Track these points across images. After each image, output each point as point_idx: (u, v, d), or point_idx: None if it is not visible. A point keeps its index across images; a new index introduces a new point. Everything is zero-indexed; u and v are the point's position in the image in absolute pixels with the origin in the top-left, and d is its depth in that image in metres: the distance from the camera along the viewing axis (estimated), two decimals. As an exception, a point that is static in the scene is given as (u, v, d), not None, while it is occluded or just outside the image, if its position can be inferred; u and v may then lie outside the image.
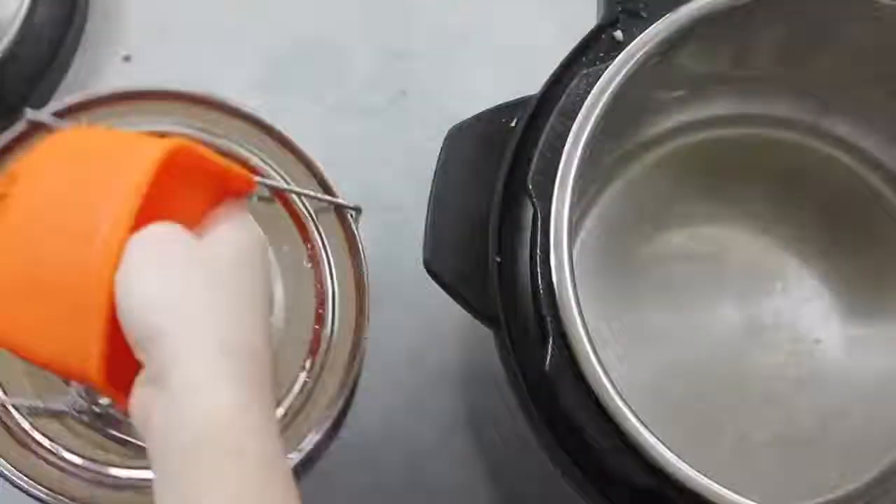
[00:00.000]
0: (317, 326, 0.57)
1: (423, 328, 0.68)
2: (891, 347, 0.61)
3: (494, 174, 0.53)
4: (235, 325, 0.40)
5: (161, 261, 0.39)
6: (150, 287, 0.39)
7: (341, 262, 0.57)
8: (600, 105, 0.51)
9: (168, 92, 0.58)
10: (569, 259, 0.48)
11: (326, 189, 0.58)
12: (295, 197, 0.57)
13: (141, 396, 0.39)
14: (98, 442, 0.54)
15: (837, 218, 0.63)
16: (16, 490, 0.53)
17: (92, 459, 0.54)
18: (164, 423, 0.38)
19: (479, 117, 0.54)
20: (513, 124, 0.54)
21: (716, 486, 0.46)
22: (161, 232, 0.40)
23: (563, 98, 0.52)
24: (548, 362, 0.47)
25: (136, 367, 0.40)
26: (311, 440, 0.54)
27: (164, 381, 0.38)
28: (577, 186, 0.50)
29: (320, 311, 0.57)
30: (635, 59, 0.52)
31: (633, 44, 0.52)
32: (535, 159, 0.51)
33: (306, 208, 0.58)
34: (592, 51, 0.54)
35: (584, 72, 0.52)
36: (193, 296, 0.39)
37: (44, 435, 0.54)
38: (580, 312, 0.48)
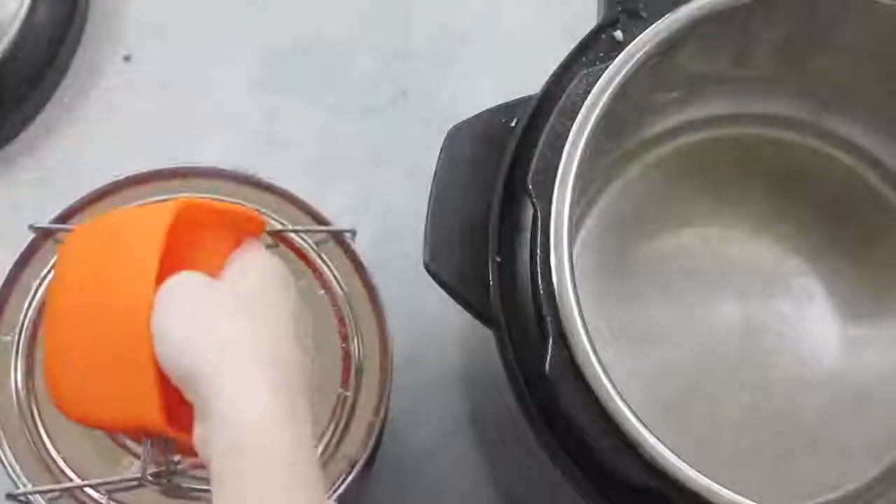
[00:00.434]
0: (344, 344, 0.58)
1: (423, 329, 0.68)
2: (891, 347, 0.61)
3: (494, 174, 0.53)
4: (263, 341, 0.42)
5: (183, 305, 0.43)
6: (177, 332, 0.42)
7: (350, 281, 0.59)
8: (600, 105, 0.51)
9: (153, 173, 0.61)
10: (569, 259, 0.48)
11: (319, 220, 0.60)
12: (293, 235, 0.59)
13: (199, 433, 0.42)
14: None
15: (837, 217, 0.63)
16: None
17: None
18: (216, 449, 0.40)
19: (479, 117, 0.54)
20: (513, 124, 0.54)
21: (716, 487, 0.46)
22: (179, 280, 0.43)
23: (563, 98, 0.52)
24: (548, 362, 0.47)
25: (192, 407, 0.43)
26: (362, 450, 0.56)
27: (210, 413, 0.40)
28: (577, 186, 0.50)
29: (343, 329, 0.58)
30: (635, 59, 0.52)
31: (633, 44, 0.52)
32: (535, 159, 0.51)
33: (307, 242, 0.59)
34: (592, 51, 0.54)
35: (584, 72, 0.52)
36: (219, 327, 0.42)
37: None
38: (580, 312, 0.48)
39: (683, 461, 0.46)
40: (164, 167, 0.61)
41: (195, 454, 0.43)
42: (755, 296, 0.62)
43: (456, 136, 0.54)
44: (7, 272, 0.59)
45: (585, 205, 0.63)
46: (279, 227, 0.60)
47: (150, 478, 0.55)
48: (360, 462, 0.55)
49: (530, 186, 0.50)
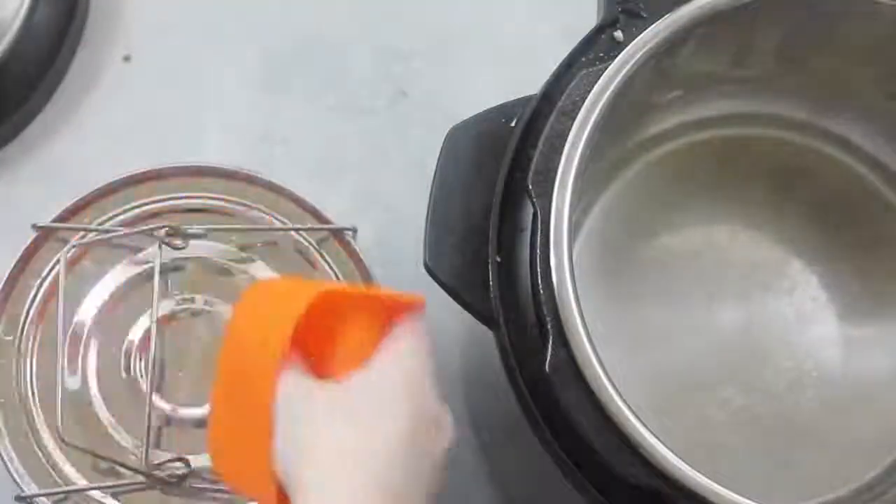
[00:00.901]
0: None
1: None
2: (891, 347, 0.61)
3: (494, 174, 0.53)
4: (369, 468, 0.40)
5: (281, 409, 0.41)
6: (279, 443, 0.41)
7: (351, 279, 0.60)
8: (600, 105, 0.51)
9: (154, 172, 0.61)
10: (569, 259, 0.48)
11: (320, 219, 0.60)
12: (294, 234, 0.59)
13: None
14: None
15: (837, 218, 0.63)
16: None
17: None
18: None
19: (479, 117, 0.54)
20: (513, 124, 0.54)
21: (716, 486, 0.46)
22: (289, 386, 0.42)
23: (563, 98, 0.52)
24: (548, 362, 0.47)
25: None
26: None
27: None
28: (577, 186, 0.50)
29: None
30: (635, 59, 0.52)
31: (633, 44, 0.52)
32: (535, 159, 0.51)
33: (308, 241, 0.59)
34: (592, 51, 0.54)
35: (584, 72, 0.52)
36: (320, 444, 0.41)
37: None
38: (580, 312, 0.48)
39: (683, 461, 0.46)
40: (165, 166, 0.61)
41: None
42: (755, 296, 0.62)
43: (456, 136, 0.54)
44: (8, 271, 0.59)
45: (585, 205, 0.63)
46: (280, 225, 0.60)
47: (155, 477, 0.55)
48: None
49: (530, 186, 0.50)
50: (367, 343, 0.45)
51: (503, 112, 0.54)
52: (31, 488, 0.56)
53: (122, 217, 0.61)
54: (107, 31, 0.75)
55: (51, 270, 0.59)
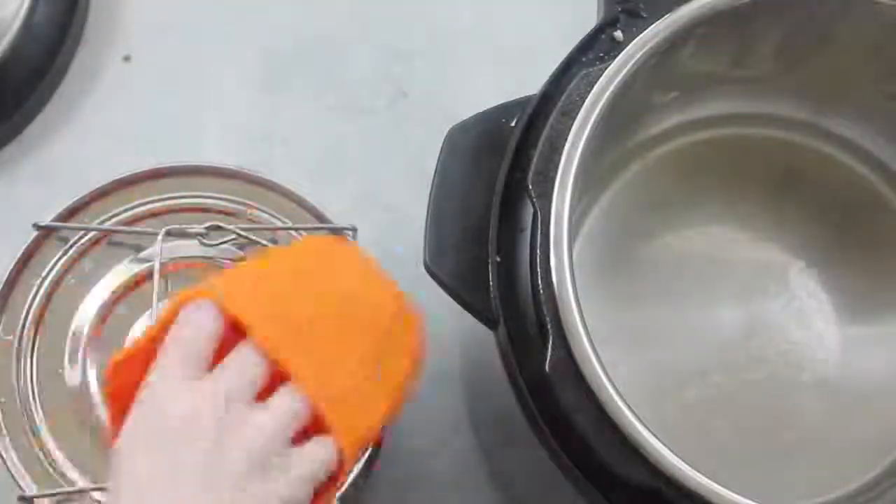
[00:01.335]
0: None
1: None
2: (891, 347, 0.61)
3: (494, 174, 0.53)
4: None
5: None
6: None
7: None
8: (600, 105, 0.51)
9: (155, 171, 0.61)
10: (569, 259, 0.48)
11: (321, 218, 0.60)
12: (294, 233, 0.59)
13: None
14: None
15: (837, 218, 0.63)
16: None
17: None
18: None
19: (479, 117, 0.54)
20: (513, 124, 0.54)
21: (716, 486, 0.46)
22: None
23: (563, 98, 0.52)
24: (548, 362, 0.47)
25: None
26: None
27: None
28: (577, 186, 0.50)
29: None
30: (635, 59, 0.52)
31: (633, 44, 0.52)
32: (535, 159, 0.51)
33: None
34: (592, 51, 0.54)
35: (584, 72, 0.52)
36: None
37: None
38: (580, 312, 0.48)
39: (683, 461, 0.46)
40: (165, 165, 0.61)
41: None
42: (755, 296, 0.62)
43: (456, 136, 0.54)
44: (8, 271, 0.59)
45: (585, 205, 0.63)
46: (280, 224, 0.60)
47: None
48: (364, 457, 0.55)
49: (530, 186, 0.50)
50: None
51: (503, 112, 0.54)
52: (31, 489, 0.56)
53: (122, 216, 0.61)
54: (107, 31, 0.75)
55: (51, 270, 0.59)
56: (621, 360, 0.60)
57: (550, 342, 0.48)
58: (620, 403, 0.46)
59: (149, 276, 0.59)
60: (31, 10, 0.68)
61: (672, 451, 0.46)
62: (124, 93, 0.73)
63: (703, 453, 0.49)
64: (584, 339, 0.47)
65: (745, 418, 0.60)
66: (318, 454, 0.41)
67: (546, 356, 0.48)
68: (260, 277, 0.44)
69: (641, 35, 0.52)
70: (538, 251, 0.49)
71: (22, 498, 0.56)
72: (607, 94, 0.51)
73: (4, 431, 0.57)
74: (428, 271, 0.52)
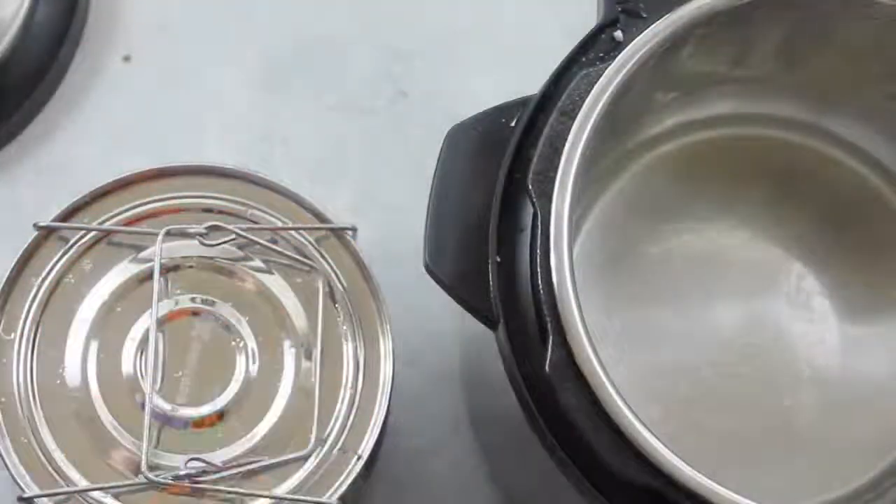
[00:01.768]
0: (345, 342, 0.58)
1: (423, 329, 0.68)
2: (891, 347, 0.61)
3: (494, 174, 0.53)
4: None
5: None
6: None
7: (351, 279, 0.59)
8: (600, 105, 0.51)
9: (156, 171, 0.61)
10: (569, 259, 0.48)
11: (320, 217, 0.60)
12: (293, 233, 0.59)
13: None
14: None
15: (837, 218, 0.63)
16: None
17: None
18: None
19: (479, 117, 0.54)
20: (513, 124, 0.54)
21: (716, 486, 0.46)
22: None
23: (563, 98, 0.52)
24: (548, 362, 0.47)
25: None
26: (365, 445, 0.56)
27: None
28: (577, 186, 0.50)
29: (344, 327, 0.58)
30: (635, 59, 0.52)
31: (633, 44, 0.52)
32: (535, 159, 0.51)
33: (307, 240, 0.59)
34: (592, 51, 0.54)
35: (584, 72, 0.52)
36: None
37: None
38: (580, 312, 0.48)
39: (683, 461, 0.46)
40: (167, 165, 0.61)
41: None
42: (755, 296, 0.62)
43: (456, 136, 0.54)
44: (9, 271, 0.59)
45: (585, 204, 0.63)
46: (280, 224, 0.60)
47: (155, 479, 0.55)
48: (364, 458, 0.55)
49: (530, 186, 0.50)
50: None
51: (503, 112, 0.54)
52: (31, 489, 0.56)
53: (123, 216, 0.61)
54: (107, 31, 0.75)
55: (51, 270, 0.59)
56: (621, 360, 0.60)
57: (550, 342, 0.48)
58: (620, 403, 0.46)
59: (149, 276, 0.59)
60: (31, 10, 0.68)
61: (672, 450, 0.46)
62: (124, 93, 0.73)
63: (702, 453, 0.49)
64: (584, 339, 0.47)
65: (745, 418, 0.60)
66: None
67: (546, 356, 0.48)
68: None
69: (641, 35, 0.52)
70: (538, 251, 0.49)
71: (21, 498, 0.56)
72: (607, 94, 0.51)
73: (4, 431, 0.57)
74: (428, 271, 0.52)
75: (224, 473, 0.55)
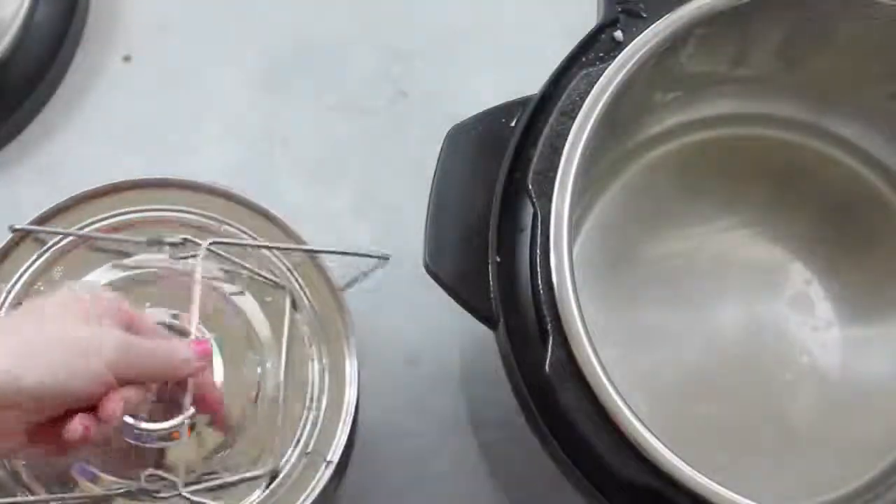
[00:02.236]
0: (311, 354, 0.58)
1: (422, 328, 0.68)
2: (891, 347, 0.61)
3: (494, 174, 0.53)
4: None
5: None
6: None
7: (321, 298, 0.59)
8: (600, 105, 0.51)
9: (148, 181, 0.61)
10: (569, 259, 0.48)
11: (297, 240, 0.60)
12: (265, 250, 0.60)
13: None
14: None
15: (837, 218, 0.63)
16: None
17: None
18: None
19: (479, 117, 0.54)
20: (513, 124, 0.54)
21: (716, 486, 0.46)
22: None
23: (564, 98, 0.52)
24: (548, 362, 0.47)
25: None
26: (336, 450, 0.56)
27: None
28: (577, 186, 0.50)
29: (312, 345, 0.59)
30: (635, 59, 0.52)
31: (633, 44, 0.52)
32: (535, 159, 0.51)
33: (282, 261, 0.60)
34: (592, 51, 0.54)
35: (584, 72, 0.52)
36: None
37: None
38: (580, 312, 0.48)
39: (683, 461, 0.46)
40: (149, 178, 0.61)
41: None
42: (755, 296, 0.62)
43: (456, 136, 0.54)
44: None
45: (585, 205, 0.63)
46: (250, 240, 0.60)
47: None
48: (333, 463, 0.55)
49: (530, 186, 0.50)
50: None
51: (503, 112, 0.54)
52: None
53: (102, 223, 0.60)
54: (107, 31, 0.75)
55: (22, 275, 0.59)
56: (621, 360, 0.60)
57: (550, 342, 0.48)
58: (620, 403, 0.46)
59: (125, 284, 0.59)
60: (31, 10, 0.68)
61: (672, 450, 0.46)
62: (124, 93, 0.73)
63: (702, 453, 0.49)
64: (584, 339, 0.47)
65: (745, 418, 0.60)
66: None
67: (546, 356, 0.48)
68: None
69: (641, 35, 0.52)
70: (538, 251, 0.49)
71: None
72: (607, 94, 0.51)
73: None
74: (428, 271, 0.52)
75: (187, 490, 0.54)
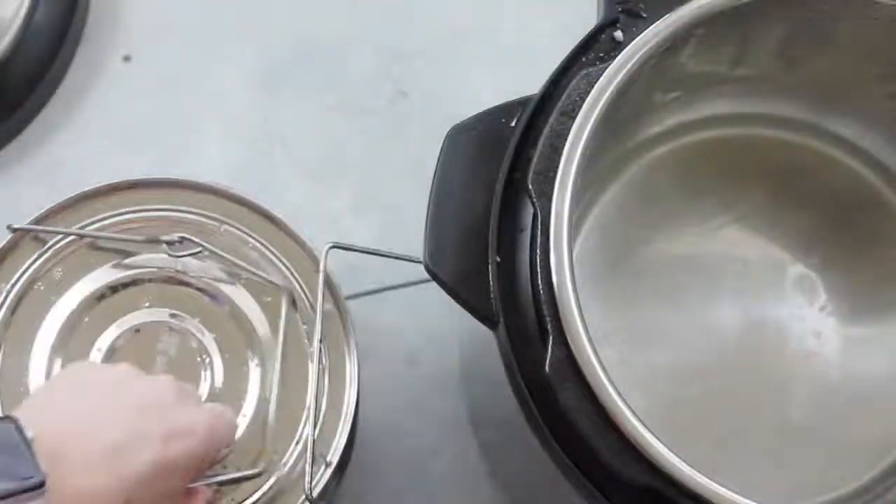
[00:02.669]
0: (313, 355, 0.58)
1: (423, 328, 0.68)
2: (891, 347, 0.61)
3: (494, 174, 0.53)
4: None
5: None
6: None
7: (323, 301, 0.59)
8: (600, 105, 0.51)
9: (148, 181, 0.61)
10: (569, 259, 0.48)
11: (292, 236, 0.60)
12: (265, 250, 0.60)
13: None
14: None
15: (837, 218, 0.63)
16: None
17: None
18: None
19: (479, 117, 0.54)
20: (513, 124, 0.54)
21: (716, 486, 0.46)
22: None
23: (563, 98, 0.52)
24: (548, 362, 0.47)
25: None
26: (336, 450, 0.56)
27: None
28: (577, 186, 0.50)
29: (311, 346, 0.59)
30: (635, 59, 0.52)
31: (633, 44, 0.52)
32: (534, 159, 0.51)
33: (278, 258, 0.60)
34: (592, 51, 0.54)
35: (584, 72, 0.52)
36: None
37: None
38: (580, 312, 0.48)
39: (683, 461, 0.46)
40: (149, 178, 0.61)
41: None
42: (755, 296, 0.62)
43: (456, 136, 0.54)
44: None
45: (585, 205, 0.63)
46: (250, 241, 0.60)
47: None
48: (333, 463, 0.55)
49: (530, 186, 0.50)
50: None
51: (503, 112, 0.54)
52: None
53: (102, 223, 0.60)
54: (107, 31, 0.75)
55: (22, 275, 0.59)
56: (621, 360, 0.60)
57: (550, 342, 0.48)
58: (620, 403, 0.46)
59: (122, 285, 0.59)
60: (31, 10, 0.68)
61: (672, 451, 0.46)
62: (124, 93, 0.73)
63: (702, 453, 0.49)
64: (584, 339, 0.47)
65: (745, 418, 0.60)
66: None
67: (546, 356, 0.48)
68: None
69: (641, 35, 0.52)
70: (538, 251, 0.49)
71: None
72: (607, 94, 0.51)
73: None
74: (428, 271, 0.52)
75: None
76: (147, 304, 0.59)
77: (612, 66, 0.51)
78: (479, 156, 0.54)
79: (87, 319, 0.58)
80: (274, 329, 0.58)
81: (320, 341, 0.57)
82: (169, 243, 0.59)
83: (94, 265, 0.59)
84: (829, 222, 0.63)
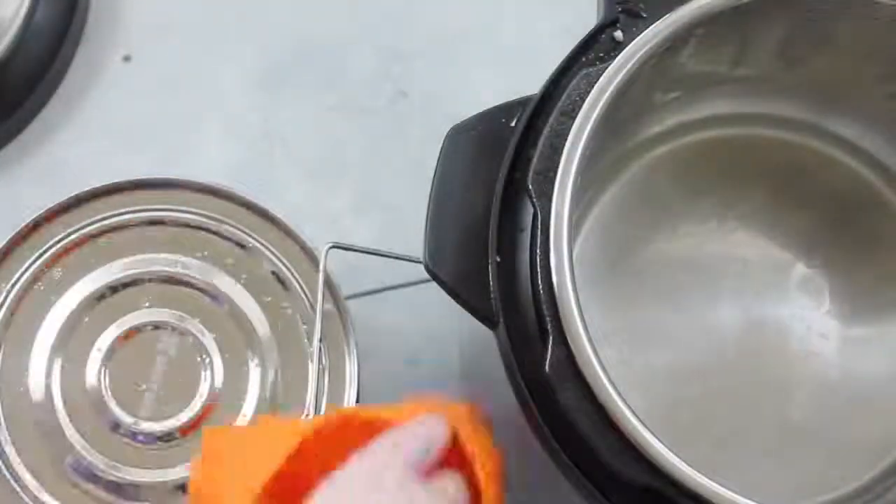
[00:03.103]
0: (313, 354, 0.58)
1: (423, 328, 0.68)
2: (891, 347, 0.61)
3: (494, 174, 0.53)
4: None
5: None
6: None
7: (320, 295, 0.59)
8: (600, 105, 0.51)
9: (148, 181, 0.61)
10: (569, 259, 0.48)
11: (297, 240, 0.61)
12: (263, 250, 0.60)
13: None
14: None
15: (837, 218, 0.63)
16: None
17: None
18: None
19: (479, 117, 0.54)
20: (513, 124, 0.54)
21: (716, 486, 0.46)
22: None
23: (564, 98, 0.52)
24: (548, 362, 0.47)
25: None
26: None
27: None
28: (577, 186, 0.50)
29: (312, 345, 0.59)
30: (635, 59, 0.52)
31: (633, 44, 0.52)
32: (534, 159, 0.51)
33: (279, 259, 0.60)
34: (592, 51, 0.54)
35: (584, 72, 0.52)
36: None
37: None
38: (580, 312, 0.48)
39: (683, 461, 0.46)
40: (149, 178, 0.61)
41: None
42: (755, 296, 0.62)
43: (456, 136, 0.54)
44: None
45: (585, 205, 0.63)
46: (250, 241, 0.60)
47: None
48: None
49: (530, 186, 0.50)
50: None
51: (503, 112, 0.54)
52: None
53: (102, 223, 0.60)
54: (107, 31, 0.75)
55: (22, 275, 0.59)
56: (621, 360, 0.60)
57: (550, 342, 0.48)
58: (620, 403, 0.46)
59: (120, 285, 0.59)
60: (31, 10, 0.68)
61: (672, 450, 0.46)
62: (124, 93, 0.73)
63: (702, 453, 0.49)
64: (584, 339, 0.47)
65: (745, 418, 0.60)
66: None
67: (546, 356, 0.48)
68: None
69: (641, 35, 0.52)
70: (538, 251, 0.49)
71: None
72: (607, 94, 0.51)
73: None
74: (428, 271, 0.52)
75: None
76: (147, 304, 0.59)
77: (612, 66, 0.51)
78: (479, 156, 0.54)
79: (87, 319, 0.58)
80: (275, 330, 0.59)
81: (320, 341, 0.57)
82: (168, 243, 0.59)
83: (94, 265, 0.60)
84: (829, 222, 0.63)
